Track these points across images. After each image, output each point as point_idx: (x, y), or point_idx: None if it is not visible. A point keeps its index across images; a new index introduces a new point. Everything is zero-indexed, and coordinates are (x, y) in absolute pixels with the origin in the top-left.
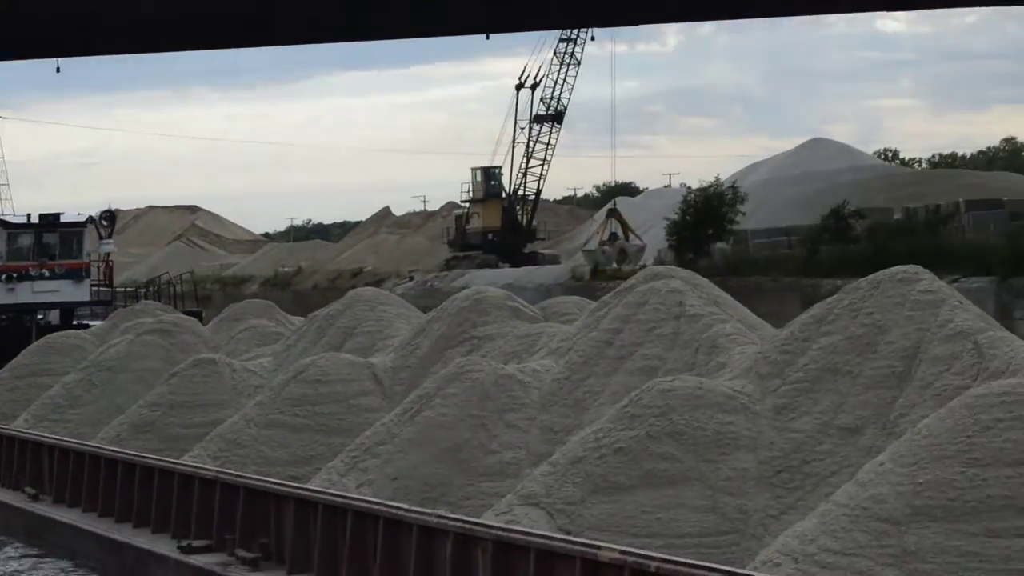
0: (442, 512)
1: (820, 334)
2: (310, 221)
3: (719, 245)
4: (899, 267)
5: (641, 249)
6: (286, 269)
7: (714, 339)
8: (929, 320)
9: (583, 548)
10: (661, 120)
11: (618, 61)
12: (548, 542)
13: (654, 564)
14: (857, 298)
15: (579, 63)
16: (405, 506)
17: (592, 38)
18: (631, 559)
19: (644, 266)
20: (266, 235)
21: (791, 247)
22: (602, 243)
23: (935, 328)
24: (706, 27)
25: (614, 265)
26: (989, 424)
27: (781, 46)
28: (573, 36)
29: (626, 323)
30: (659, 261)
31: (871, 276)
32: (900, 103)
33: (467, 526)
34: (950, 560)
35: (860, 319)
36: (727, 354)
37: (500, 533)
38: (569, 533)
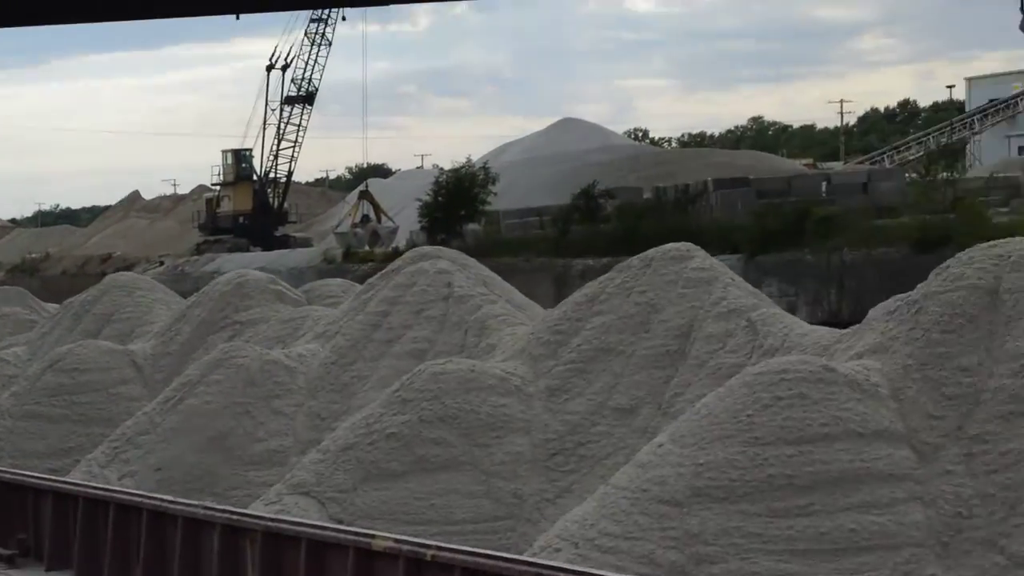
0: (208, 503)
1: (593, 314)
2: (58, 206)
3: (471, 226)
4: (671, 244)
5: (393, 231)
6: (33, 255)
7: (483, 320)
8: (702, 298)
9: (356, 537)
10: (413, 101)
11: (370, 42)
12: (320, 531)
13: (430, 552)
14: (629, 277)
15: (330, 44)
16: (169, 497)
17: (343, 18)
18: (406, 547)
19: (396, 248)
20: (12, 221)
21: (543, 227)
22: (354, 225)
23: (708, 306)
24: (458, 7)
25: (366, 247)
26: (769, 402)
27: (532, 26)
28: (324, 16)
29: (394, 305)
30: (411, 243)
31: (643, 254)
32: (650, 83)
33: (235, 517)
34: (733, 541)
35: (633, 298)
36: (497, 335)
37: (269, 523)
38: (341, 522)
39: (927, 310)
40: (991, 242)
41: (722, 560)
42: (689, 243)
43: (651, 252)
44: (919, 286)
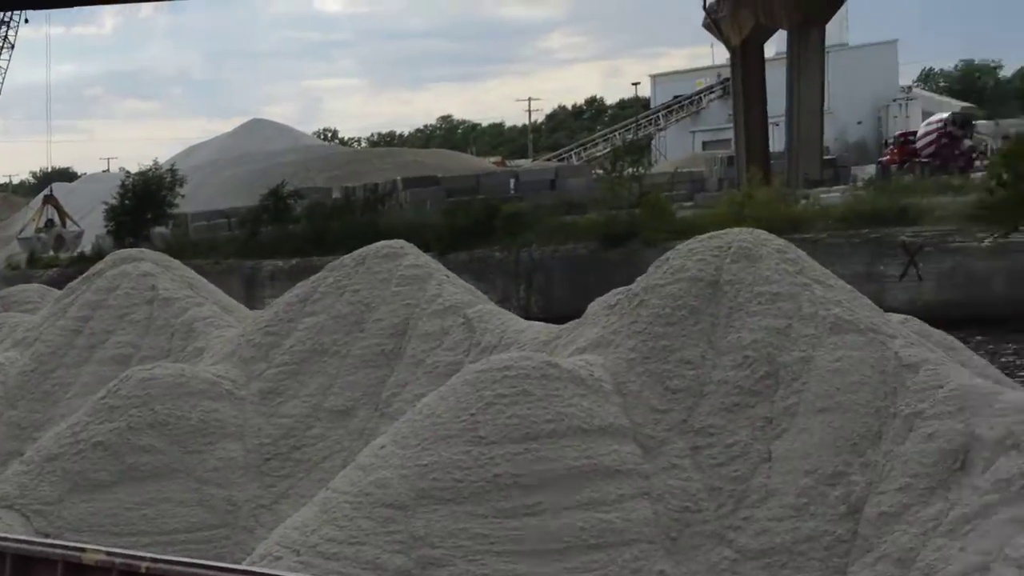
0: None
1: (305, 314)
2: None
3: (159, 229)
4: (384, 242)
5: (79, 235)
6: None
7: (190, 323)
8: (417, 295)
9: (65, 551)
10: (100, 104)
11: (54, 44)
12: (26, 546)
13: (144, 564)
14: (342, 275)
15: (12, 47)
16: None
17: (26, 20)
18: (119, 560)
19: (83, 252)
20: None
21: (231, 229)
22: (38, 230)
23: (424, 303)
24: (145, 9)
25: (51, 252)
26: (492, 400)
27: (220, 27)
28: (5, 19)
29: (96, 309)
30: (97, 247)
31: (356, 252)
32: (339, 83)
33: None
34: (460, 543)
35: (347, 297)
36: (205, 338)
37: None
38: (48, 535)
39: (648, 303)
40: (710, 233)
41: (449, 563)
42: (402, 240)
43: (364, 250)
44: (639, 279)
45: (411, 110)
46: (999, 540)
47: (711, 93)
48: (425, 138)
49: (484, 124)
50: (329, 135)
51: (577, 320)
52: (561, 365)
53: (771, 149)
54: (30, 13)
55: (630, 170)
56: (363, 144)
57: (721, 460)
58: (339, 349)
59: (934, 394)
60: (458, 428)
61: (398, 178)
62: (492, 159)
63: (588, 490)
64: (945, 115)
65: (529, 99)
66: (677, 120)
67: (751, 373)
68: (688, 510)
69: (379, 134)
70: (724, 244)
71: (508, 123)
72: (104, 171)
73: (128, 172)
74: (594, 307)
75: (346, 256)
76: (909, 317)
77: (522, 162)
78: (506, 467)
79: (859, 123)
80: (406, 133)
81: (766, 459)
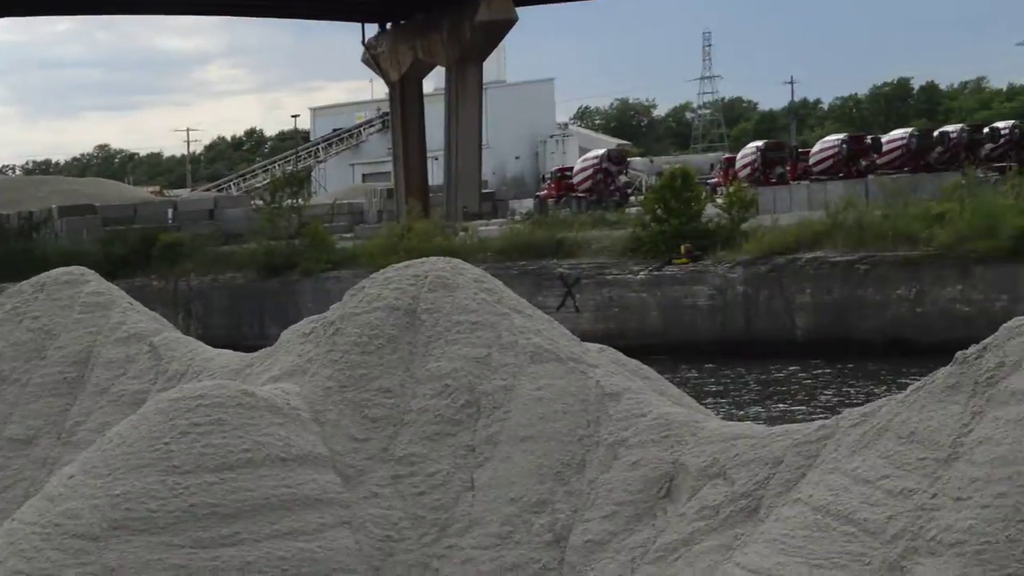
0: None
1: None
2: None
3: None
4: (64, 269)
5: None
6: None
7: None
8: (100, 323)
9: None
10: None
11: None
12: None
13: None
14: (21, 302)
15: None
16: None
17: None
18: None
19: None
20: None
21: None
22: None
23: (107, 331)
24: None
25: None
26: (187, 429)
27: None
28: None
29: None
30: None
31: (34, 279)
32: None
33: None
34: (156, 575)
35: (26, 324)
36: None
37: None
38: None
39: (345, 331)
40: (407, 262)
41: None
42: (84, 267)
43: (42, 276)
44: (334, 307)
45: (67, 139)
46: (707, 567)
47: (371, 127)
48: (82, 167)
49: (142, 154)
50: None
51: (269, 348)
52: (257, 394)
53: (430, 182)
54: None
55: (289, 201)
56: (18, 172)
57: (423, 489)
58: (19, 377)
59: (637, 423)
60: (151, 457)
61: (54, 206)
62: (150, 189)
63: (288, 519)
64: (601, 151)
65: (188, 129)
66: (337, 152)
67: (452, 402)
68: (391, 539)
69: (34, 162)
70: (421, 273)
71: (167, 153)
72: None
73: None
74: (287, 335)
75: (24, 283)
76: (605, 347)
77: (181, 192)
78: (202, 497)
79: (517, 158)
80: (62, 162)
81: (469, 488)
